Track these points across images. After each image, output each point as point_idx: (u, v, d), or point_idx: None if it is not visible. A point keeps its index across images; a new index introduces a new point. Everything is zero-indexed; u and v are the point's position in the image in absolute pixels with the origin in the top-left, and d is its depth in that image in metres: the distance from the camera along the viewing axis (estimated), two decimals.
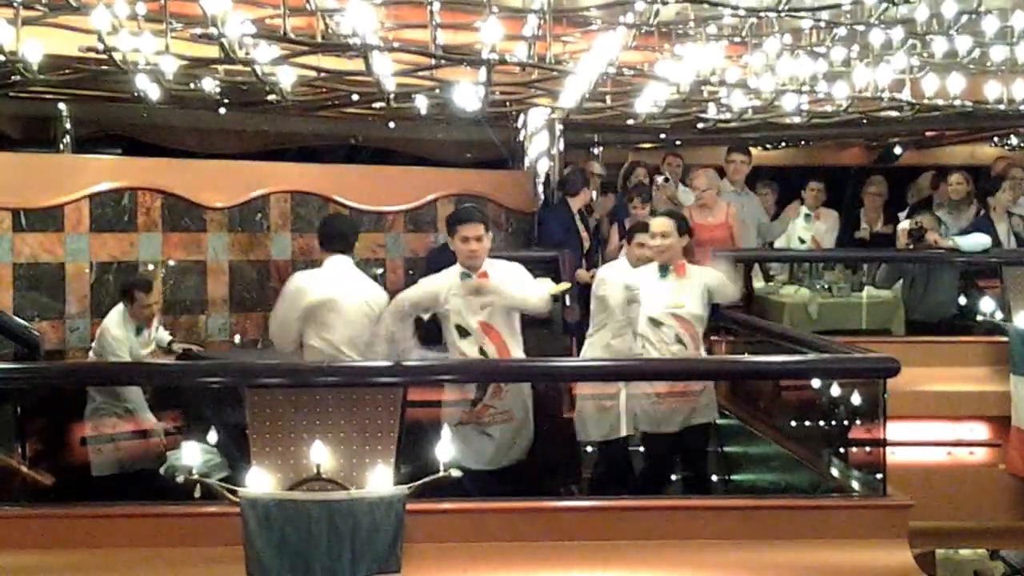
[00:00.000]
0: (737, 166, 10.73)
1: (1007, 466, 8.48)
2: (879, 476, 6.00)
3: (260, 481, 5.38)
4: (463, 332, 7.09)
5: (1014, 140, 14.97)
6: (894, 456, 6.33)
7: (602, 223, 10.72)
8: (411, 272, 10.34)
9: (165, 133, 12.05)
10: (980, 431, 8.76)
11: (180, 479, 5.23)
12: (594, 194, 11.16)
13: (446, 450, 5.29)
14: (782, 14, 7.61)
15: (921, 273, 10.01)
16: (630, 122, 10.39)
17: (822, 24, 8.35)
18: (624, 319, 7.71)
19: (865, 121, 11.00)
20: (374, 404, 5.59)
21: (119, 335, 8.15)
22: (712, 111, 9.63)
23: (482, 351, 7.07)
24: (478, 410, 7.01)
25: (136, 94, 7.86)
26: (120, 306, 8.28)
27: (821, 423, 7.61)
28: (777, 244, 11.11)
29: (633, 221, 9.97)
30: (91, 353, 8.35)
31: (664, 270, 7.52)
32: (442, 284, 7.19)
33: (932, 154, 16.01)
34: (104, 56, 6.58)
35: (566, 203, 10.41)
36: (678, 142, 13.78)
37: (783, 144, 15.75)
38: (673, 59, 8.62)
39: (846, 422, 7.03)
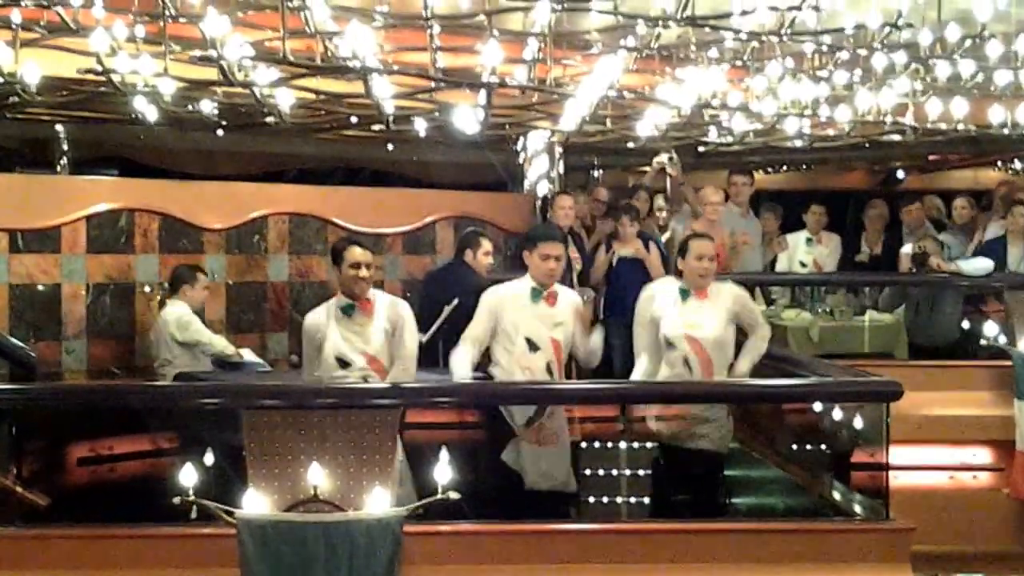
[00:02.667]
0: (739, 188, 10.72)
1: (1011, 491, 8.48)
2: (881, 500, 5.99)
3: (257, 502, 5.36)
4: (533, 346, 7.05)
5: (1018, 164, 14.99)
6: (897, 480, 6.30)
7: (598, 250, 10.49)
8: (408, 295, 10.29)
9: (163, 155, 12.06)
10: (983, 455, 8.76)
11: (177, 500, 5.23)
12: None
13: (444, 472, 5.29)
14: (784, 38, 7.59)
15: (925, 297, 9.98)
16: (630, 145, 10.40)
17: (824, 48, 8.34)
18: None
19: (868, 145, 11.04)
20: (371, 426, 5.57)
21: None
22: (713, 134, 9.64)
23: (549, 367, 7.07)
24: (534, 428, 6.97)
25: (134, 116, 7.90)
26: (179, 302, 8.77)
27: (823, 447, 7.58)
28: (779, 267, 11.10)
29: (623, 239, 9.94)
30: (184, 340, 8.65)
31: (685, 294, 7.32)
32: (505, 295, 7.15)
33: (935, 178, 16.04)
34: (102, 78, 6.61)
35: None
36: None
37: (785, 168, 15.76)
38: (674, 82, 8.64)
39: (848, 446, 7.00)
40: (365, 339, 6.86)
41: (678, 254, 7.52)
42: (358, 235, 10.13)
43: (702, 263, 7.30)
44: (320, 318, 6.96)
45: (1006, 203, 10.72)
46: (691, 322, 7.21)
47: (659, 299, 7.37)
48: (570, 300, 7.30)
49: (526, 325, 7.07)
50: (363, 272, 6.85)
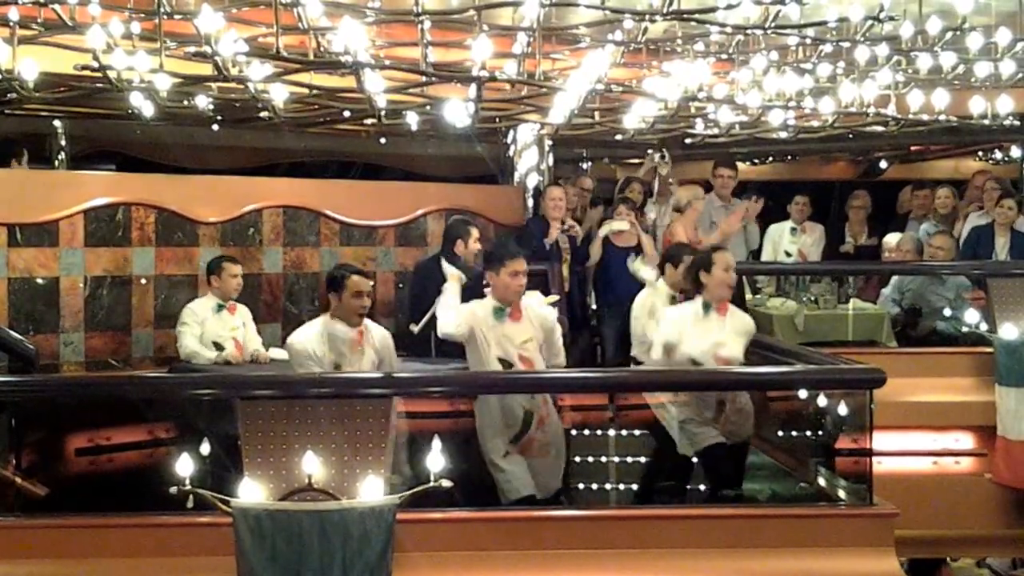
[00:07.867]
0: (724, 180, 10.83)
1: (992, 475, 8.54)
2: (865, 485, 6.09)
3: (252, 491, 5.44)
4: (507, 364, 7.09)
5: (998, 154, 15.08)
6: (880, 466, 6.42)
7: (592, 240, 10.53)
8: (401, 285, 10.41)
9: (159, 149, 12.12)
10: (966, 441, 8.80)
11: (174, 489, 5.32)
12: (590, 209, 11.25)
13: (436, 461, 5.38)
14: (769, 31, 7.67)
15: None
16: (618, 138, 10.45)
17: (808, 41, 8.41)
18: None
19: (851, 136, 11.09)
20: (364, 415, 5.66)
21: (196, 308, 8.78)
22: (700, 127, 9.69)
23: None
24: (524, 443, 7.04)
25: (130, 111, 7.94)
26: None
27: (808, 433, 7.67)
28: (763, 257, 11.19)
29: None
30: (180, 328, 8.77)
31: (707, 307, 7.40)
32: (479, 316, 7.17)
33: (917, 168, 16.11)
34: (99, 74, 6.65)
35: (543, 218, 10.42)
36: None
37: (769, 159, 15.83)
38: (661, 75, 8.70)
39: (833, 432, 7.10)
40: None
41: (700, 268, 7.53)
42: (350, 227, 10.28)
43: (729, 274, 7.41)
44: (313, 344, 7.04)
45: (990, 196, 10.82)
46: (717, 341, 7.32)
47: (673, 323, 7.44)
48: (535, 314, 7.33)
49: (495, 346, 7.10)
50: (365, 301, 7.01)
